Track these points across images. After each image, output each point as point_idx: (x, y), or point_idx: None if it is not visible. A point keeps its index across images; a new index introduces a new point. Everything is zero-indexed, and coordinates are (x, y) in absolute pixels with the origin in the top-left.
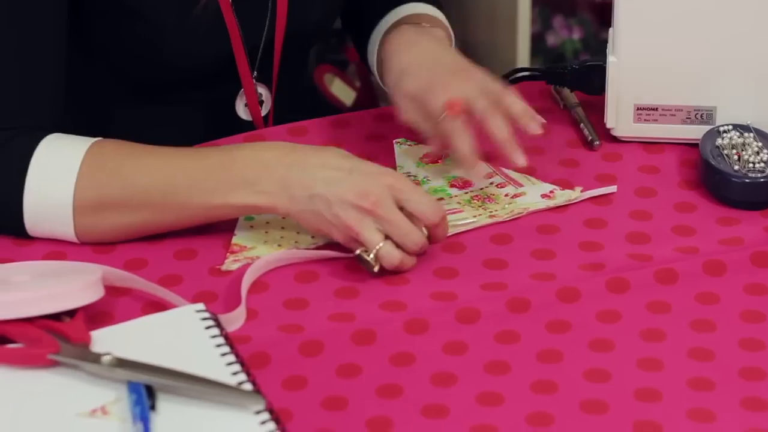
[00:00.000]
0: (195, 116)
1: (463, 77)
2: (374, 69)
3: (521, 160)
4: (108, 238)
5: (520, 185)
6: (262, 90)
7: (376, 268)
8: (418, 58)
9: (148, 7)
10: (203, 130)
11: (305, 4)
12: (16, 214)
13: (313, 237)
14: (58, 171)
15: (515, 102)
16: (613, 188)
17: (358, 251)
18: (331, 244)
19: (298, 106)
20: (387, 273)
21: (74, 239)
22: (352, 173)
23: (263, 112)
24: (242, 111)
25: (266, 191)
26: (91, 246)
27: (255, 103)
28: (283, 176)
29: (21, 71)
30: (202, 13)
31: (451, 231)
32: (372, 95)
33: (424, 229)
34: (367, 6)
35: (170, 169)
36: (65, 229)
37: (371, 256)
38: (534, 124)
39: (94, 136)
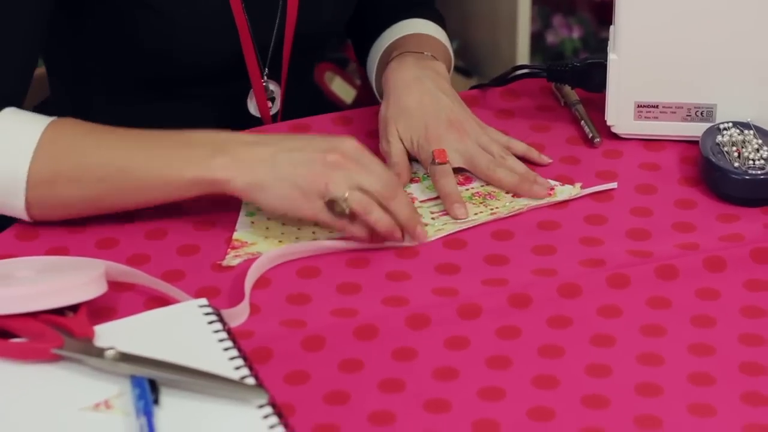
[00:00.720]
0: (206, 113)
1: (459, 134)
2: (373, 83)
3: (542, 192)
4: (58, 213)
5: None
6: (273, 87)
7: (347, 210)
8: (418, 103)
9: (160, 1)
10: (214, 127)
11: (316, 5)
12: None
13: (314, 232)
14: (16, 143)
15: (516, 144)
16: (613, 185)
17: (328, 197)
18: (333, 237)
19: (308, 105)
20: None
21: (23, 213)
22: (314, 139)
23: (273, 110)
24: (253, 108)
25: (223, 165)
26: (94, 240)
27: (263, 100)
28: (242, 152)
29: None
30: (213, 10)
31: (453, 228)
32: (372, 93)
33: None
34: (370, 15)
35: (128, 144)
36: (16, 202)
37: (342, 201)
38: (544, 157)
39: None
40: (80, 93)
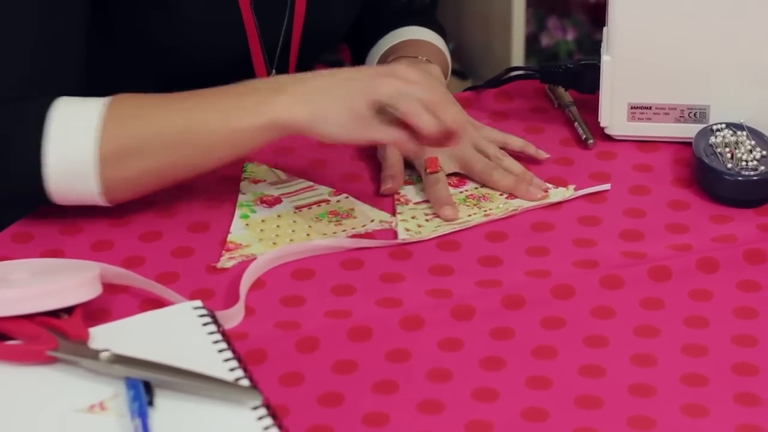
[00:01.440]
0: None
1: None
2: None
3: (539, 194)
4: (133, 189)
5: None
6: None
7: (399, 109)
8: None
9: None
10: None
11: (325, 5)
12: (38, 179)
13: (308, 234)
14: (78, 126)
15: (513, 140)
16: (606, 186)
17: (378, 103)
18: (327, 238)
19: None
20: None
21: (100, 198)
22: (365, 68)
23: None
24: None
25: (284, 103)
26: (88, 243)
27: None
28: (298, 87)
29: (43, 39)
30: (222, 7)
31: (446, 230)
32: None
33: None
34: (369, 22)
35: (188, 106)
36: (89, 186)
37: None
38: (541, 152)
39: None
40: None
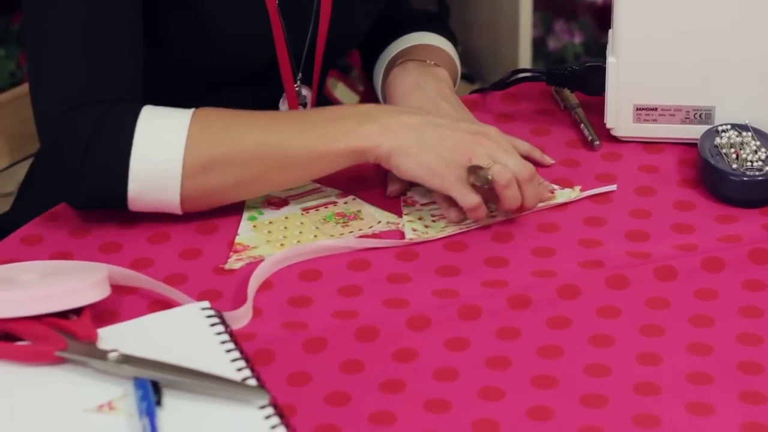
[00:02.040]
0: None
1: None
2: (378, 93)
3: (546, 194)
4: (210, 202)
5: None
6: (305, 92)
7: (489, 177)
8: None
9: (202, 5)
10: None
11: (348, 11)
12: (122, 183)
13: (315, 236)
14: (167, 136)
15: (519, 143)
16: (612, 187)
17: (472, 163)
18: (335, 239)
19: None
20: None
21: (176, 207)
22: (460, 120)
23: None
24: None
25: (371, 132)
26: (97, 245)
27: (295, 105)
28: (390, 119)
29: (109, 46)
30: (251, 15)
31: (453, 231)
32: (375, 99)
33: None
34: (381, 28)
35: (277, 123)
36: (170, 196)
37: (485, 168)
38: (546, 157)
39: None
40: None
